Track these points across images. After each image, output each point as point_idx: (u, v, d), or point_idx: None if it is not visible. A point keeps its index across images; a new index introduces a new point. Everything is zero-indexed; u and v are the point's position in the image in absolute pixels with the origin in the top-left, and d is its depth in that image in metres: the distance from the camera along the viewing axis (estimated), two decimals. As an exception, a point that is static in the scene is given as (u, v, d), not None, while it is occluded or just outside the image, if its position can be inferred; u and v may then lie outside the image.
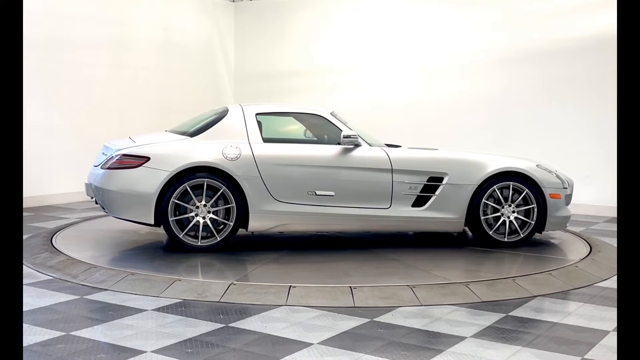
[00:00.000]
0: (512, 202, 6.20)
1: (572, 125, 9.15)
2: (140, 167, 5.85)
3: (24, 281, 4.99)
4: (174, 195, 5.80)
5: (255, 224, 5.99)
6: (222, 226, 5.91)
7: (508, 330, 4.05)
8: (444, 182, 6.14)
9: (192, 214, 5.86)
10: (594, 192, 8.81)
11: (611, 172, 8.45)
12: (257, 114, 6.28)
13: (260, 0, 11.93)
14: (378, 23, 10.67)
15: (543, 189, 6.20)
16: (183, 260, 5.69)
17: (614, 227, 7.88)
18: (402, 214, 6.13)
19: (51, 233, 6.74)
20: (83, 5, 9.59)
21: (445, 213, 6.15)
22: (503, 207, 6.20)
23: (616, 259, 5.72)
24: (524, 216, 6.22)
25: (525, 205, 6.21)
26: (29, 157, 8.45)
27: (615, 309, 4.44)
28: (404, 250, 6.17)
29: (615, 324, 4.16)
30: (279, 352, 3.60)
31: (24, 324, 3.97)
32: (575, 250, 6.23)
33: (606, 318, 4.31)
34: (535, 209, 6.19)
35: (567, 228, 6.92)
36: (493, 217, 6.20)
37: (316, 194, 6.03)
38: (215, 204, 5.89)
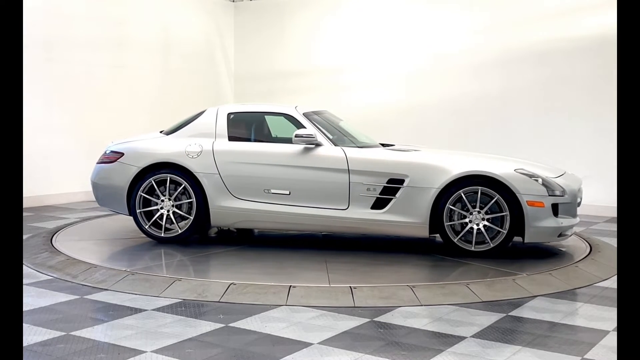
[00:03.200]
0: (482, 208, 5.70)
1: (572, 125, 9.14)
2: (116, 162, 6.44)
3: (24, 281, 4.99)
4: (141, 189, 6.26)
5: (216, 219, 6.22)
6: (185, 219, 6.24)
7: (508, 330, 4.05)
8: (405, 184, 5.83)
9: (158, 206, 6.25)
10: (594, 192, 8.79)
11: (611, 172, 8.44)
12: (229, 114, 6.48)
13: (260, 0, 11.93)
14: (378, 23, 10.66)
15: (518, 196, 5.62)
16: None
17: (614, 227, 7.88)
18: (361, 215, 5.92)
19: (51, 233, 6.75)
20: (83, 5, 9.59)
21: (406, 217, 5.84)
22: (471, 214, 5.74)
23: (616, 259, 5.72)
24: (500, 224, 5.69)
25: (498, 213, 5.69)
26: (29, 157, 8.45)
27: (615, 309, 4.44)
28: (345, 253, 6.00)
29: (615, 324, 4.16)
30: (279, 352, 3.60)
31: (24, 324, 3.97)
32: (575, 250, 6.22)
33: (606, 318, 4.31)
34: (508, 217, 5.66)
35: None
36: (460, 223, 5.76)
37: (271, 192, 6.09)
38: (180, 199, 6.24)
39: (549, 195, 5.69)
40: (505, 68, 9.60)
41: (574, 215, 5.96)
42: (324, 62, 11.20)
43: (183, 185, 6.19)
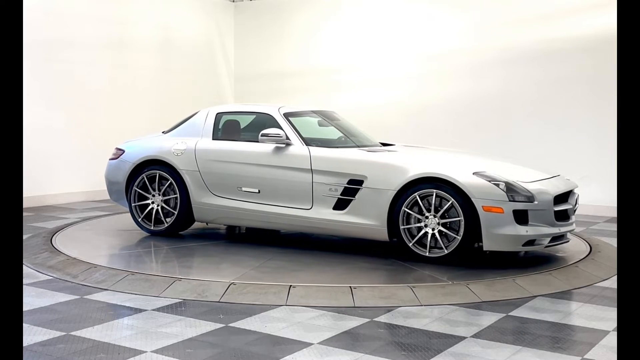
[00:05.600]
0: (437, 211, 5.41)
1: (572, 125, 9.14)
2: (118, 159, 6.86)
3: (24, 281, 4.99)
4: (136, 184, 6.65)
5: (198, 215, 6.48)
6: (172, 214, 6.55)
7: (508, 330, 4.05)
8: (363, 185, 5.67)
9: (149, 201, 6.61)
10: (594, 192, 8.80)
11: (611, 172, 8.44)
12: (217, 114, 6.70)
13: (260, 0, 11.93)
14: (378, 22, 10.66)
15: (473, 200, 5.28)
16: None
17: (614, 227, 7.88)
18: (323, 216, 5.85)
19: (51, 233, 6.75)
20: (83, 5, 9.59)
21: (365, 219, 5.68)
22: (427, 217, 5.47)
23: (616, 259, 5.72)
24: (457, 229, 5.37)
25: (456, 217, 5.36)
26: (29, 157, 8.45)
27: (615, 309, 4.44)
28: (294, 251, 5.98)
29: (615, 324, 4.16)
30: (279, 352, 3.60)
31: (24, 324, 3.97)
32: (575, 250, 6.22)
33: (606, 318, 4.31)
34: (462, 222, 5.33)
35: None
36: (417, 227, 5.50)
37: (243, 190, 6.21)
38: (169, 194, 6.55)
39: (510, 201, 5.27)
40: (505, 68, 9.59)
41: (552, 224, 5.47)
42: (324, 62, 11.19)
43: (169, 181, 6.50)
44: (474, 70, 9.83)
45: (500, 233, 5.28)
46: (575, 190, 5.99)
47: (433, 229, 5.46)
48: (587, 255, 5.98)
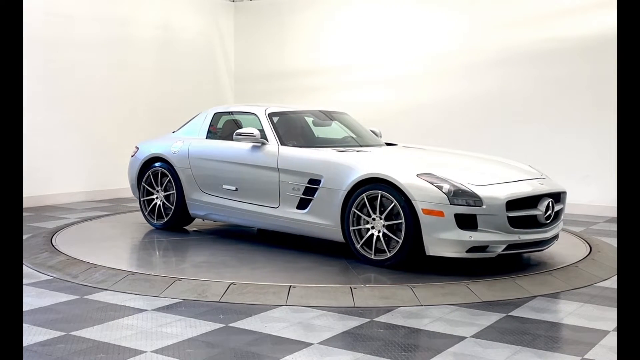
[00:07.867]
0: (382, 213, 5.27)
1: (571, 125, 9.13)
2: (134, 156, 7.27)
3: (24, 281, 4.99)
4: (144, 180, 7.03)
5: (192, 211, 6.75)
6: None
7: (508, 330, 4.05)
8: (320, 185, 5.64)
9: (154, 196, 6.97)
10: (594, 192, 8.81)
11: (611, 172, 8.45)
12: (215, 113, 6.96)
13: (260, 0, 11.93)
14: (379, 22, 10.66)
15: (413, 202, 5.08)
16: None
17: (614, 227, 7.88)
18: (288, 215, 5.88)
19: (51, 233, 6.75)
20: (83, 5, 9.60)
21: (322, 219, 5.65)
22: (374, 219, 5.34)
23: (616, 259, 5.72)
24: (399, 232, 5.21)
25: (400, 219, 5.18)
26: (29, 157, 8.45)
27: (615, 309, 4.44)
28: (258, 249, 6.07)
29: (615, 324, 4.16)
30: (279, 352, 3.60)
31: (24, 324, 3.97)
32: (575, 250, 6.22)
33: (606, 318, 4.31)
34: (403, 225, 5.15)
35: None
36: (365, 228, 5.40)
37: (223, 188, 6.39)
38: (169, 190, 6.86)
39: (452, 204, 5.01)
40: (506, 68, 9.59)
41: (506, 230, 5.13)
42: (324, 62, 11.19)
43: (168, 178, 6.84)
44: (475, 70, 9.83)
45: (441, 237, 5.04)
46: (552, 194, 5.52)
47: (379, 231, 5.33)
48: (587, 255, 5.99)
